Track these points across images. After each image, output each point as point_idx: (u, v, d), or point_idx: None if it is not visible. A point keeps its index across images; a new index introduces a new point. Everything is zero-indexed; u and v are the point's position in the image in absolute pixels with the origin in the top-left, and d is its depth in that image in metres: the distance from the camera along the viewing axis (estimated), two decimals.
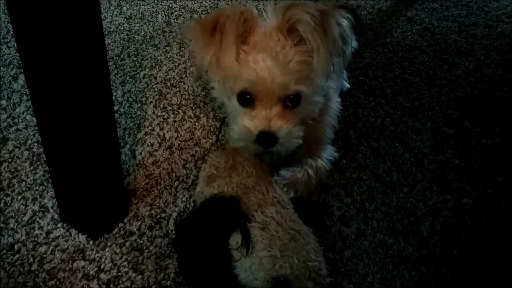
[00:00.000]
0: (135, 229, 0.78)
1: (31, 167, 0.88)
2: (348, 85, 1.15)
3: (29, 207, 0.80)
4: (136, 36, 1.34)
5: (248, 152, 0.80)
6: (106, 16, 1.44)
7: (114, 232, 0.77)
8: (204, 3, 1.55)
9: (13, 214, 0.79)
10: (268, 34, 0.76)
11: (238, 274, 0.69)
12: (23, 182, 0.85)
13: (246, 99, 0.77)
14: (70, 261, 0.73)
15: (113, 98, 1.04)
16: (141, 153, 0.94)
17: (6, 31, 1.31)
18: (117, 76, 1.16)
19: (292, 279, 0.65)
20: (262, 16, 0.79)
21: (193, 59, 0.83)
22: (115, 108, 1.05)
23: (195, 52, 0.80)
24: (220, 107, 0.99)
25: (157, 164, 0.91)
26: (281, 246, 0.67)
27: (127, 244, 0.76)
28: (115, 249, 0.75)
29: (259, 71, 0.73)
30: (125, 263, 0.73)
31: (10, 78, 1.12)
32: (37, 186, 0.84)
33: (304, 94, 0.77)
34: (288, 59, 0.74)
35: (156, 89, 1.12)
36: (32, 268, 0.71)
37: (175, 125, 1.02)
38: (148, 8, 1.50)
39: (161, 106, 1.07)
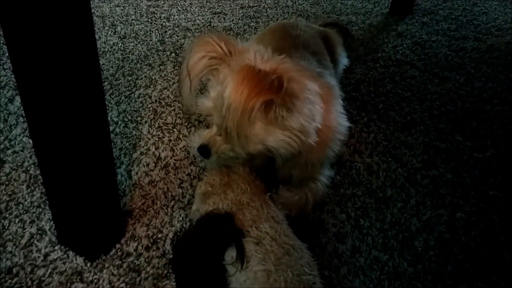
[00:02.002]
0: (132, 250, 0.79)
1: (28, 190, 0.88)
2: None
3: (27, 229, 0.81)
4: (130, 55, 1.35)
5: (243, 169, 0.82)
6: (101, 36, 1.45)
7: (111, 253, 0.78)
8: (198, 22, 1.57)
9: (11, 237, 0.79)
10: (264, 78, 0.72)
11: None
12: (21, 205, 0.85)
13: None
14: (68, 284, 0.73)
15: (109, 118, 1.05)
16: (137, 173, 0.95)
17: (1, 52, 1.32)
18: (112, 96, 1.17)
19: None
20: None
21: None
22: (111, 128, 1.06)
23: None
24: None
25: (153, 184, 0.92)
26: (275, 260, 0.67)
27: (124, 265, 0.76)
28: (112, 270, 0.75)
29: (221, 105, 0.73)
30: (123, 284, 0.73)
31: (6, 100, 1.13)
32: (34, 208, 0.85)
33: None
34: (256, 109, 0.71)
35: (151, 109, 1.14)
36: None
37: (171, 144, 1.03)
38: (142, 27, 1.52)
39: (156, 126, 1.08)
